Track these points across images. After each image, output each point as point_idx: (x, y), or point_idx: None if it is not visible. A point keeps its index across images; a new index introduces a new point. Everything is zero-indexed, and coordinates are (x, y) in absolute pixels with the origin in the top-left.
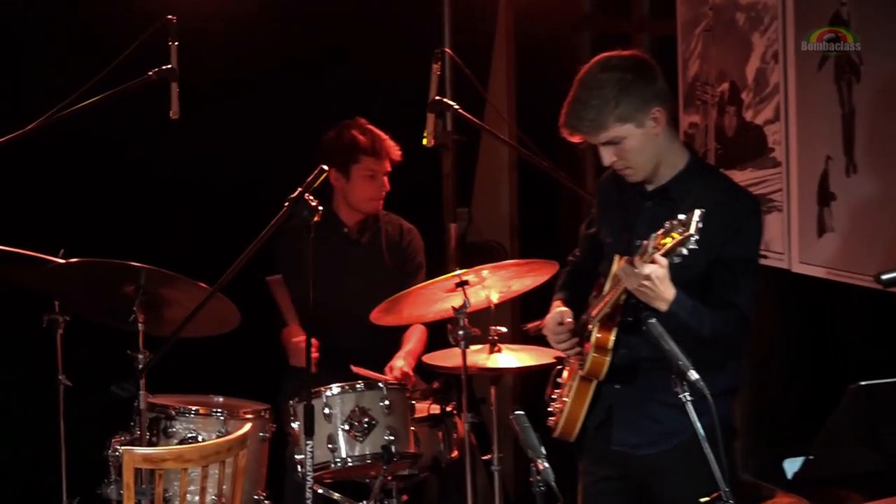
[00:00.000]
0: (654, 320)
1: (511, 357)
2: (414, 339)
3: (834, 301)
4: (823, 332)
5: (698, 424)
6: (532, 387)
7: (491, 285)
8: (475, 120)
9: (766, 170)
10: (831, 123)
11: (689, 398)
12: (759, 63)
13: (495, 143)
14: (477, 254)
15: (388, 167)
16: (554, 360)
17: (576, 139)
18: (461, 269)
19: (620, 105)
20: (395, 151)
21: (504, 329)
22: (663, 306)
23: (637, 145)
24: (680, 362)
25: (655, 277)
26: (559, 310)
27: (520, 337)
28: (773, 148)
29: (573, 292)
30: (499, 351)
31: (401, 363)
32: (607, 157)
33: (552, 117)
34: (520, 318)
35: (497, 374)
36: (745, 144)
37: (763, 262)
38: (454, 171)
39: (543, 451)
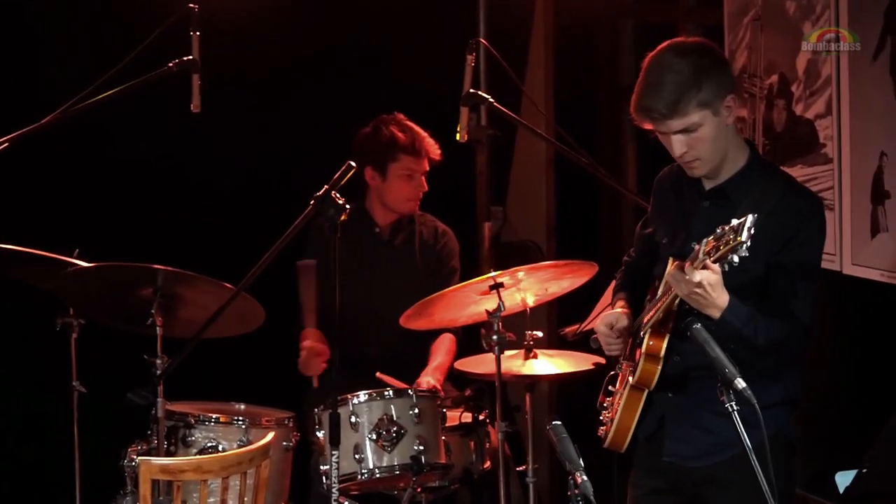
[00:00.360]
0: (698, 325)
1: (547, 363)
2: (442, 352)
3: (888, 305)
4: (876, 338)
5: (745, 435)
6: (569, 394)
7: (527, 288)
8: (511, 114)
9: (817, 166)
10: (886, 117)
11: (735, 407)
12: (810, 54)
13: (532, 139)
14: (512, 254)
15: (427, 166)
16: (593, 367)
17: (647, 126)
18: (495, 270)
19: (702, 89)
20: (435, 150)
21: (540, 333)
22: (716, 313)
23: (711, 134)
24: (726, 370)
25: (707, 284)
26: (614, 311)
27: (556, 342)
28: (824, 143)
29: (632, 293)
30: (535, 357)
31: (428, 379)
32: (678, 146)
33: (592, 111)
34: (556, 322)
35: (532, 381)
36: (794, 140)
37: None
38: (488, 168)
39: (582, 463)
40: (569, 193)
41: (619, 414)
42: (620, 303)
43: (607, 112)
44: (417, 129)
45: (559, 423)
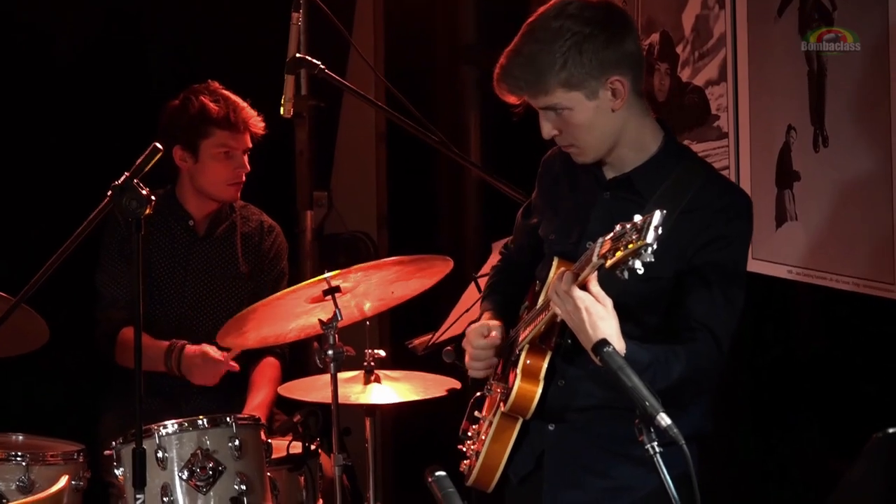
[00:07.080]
0: (610, 348)
1: (390, 390)
2: (263, 383)
3: (797, 306)
4: (783, 345)
5: (671, 484)
6: (419, 414)
7: (366, 292)
8: (339, 79)
9: (709, 142)
10: (794, 84)
11: (658, 449)
12: (699, 9)
13: (360, 110)
14: (339, 250)
15: (249, 143)
16: (446, 393)
17: (511, 100)
18: (318, 267)
19: (567, 67)
20: (257, 123)
21: (382, 353)
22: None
23: (585, 121)
24: (646, 403)
25: (595, 314)
26: (485, 321)
27: (400, 356)
28: (717, 115)
29: (506, 298)
30: (377, 380)
31: None
32: (546, 127)
33: (428, 70)
34: (390, 331)
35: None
36: (681, 111)
37: None
38: (310, 147)
39: None
40: (402, 174)
41: (486, 446)
42: (488, 313)
43: (446, 76)
44: (235, 98)
45: (443, 473)
